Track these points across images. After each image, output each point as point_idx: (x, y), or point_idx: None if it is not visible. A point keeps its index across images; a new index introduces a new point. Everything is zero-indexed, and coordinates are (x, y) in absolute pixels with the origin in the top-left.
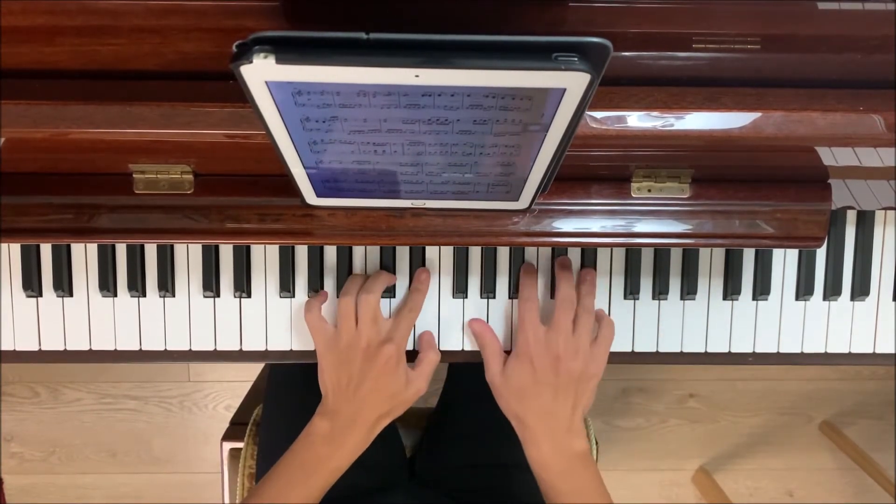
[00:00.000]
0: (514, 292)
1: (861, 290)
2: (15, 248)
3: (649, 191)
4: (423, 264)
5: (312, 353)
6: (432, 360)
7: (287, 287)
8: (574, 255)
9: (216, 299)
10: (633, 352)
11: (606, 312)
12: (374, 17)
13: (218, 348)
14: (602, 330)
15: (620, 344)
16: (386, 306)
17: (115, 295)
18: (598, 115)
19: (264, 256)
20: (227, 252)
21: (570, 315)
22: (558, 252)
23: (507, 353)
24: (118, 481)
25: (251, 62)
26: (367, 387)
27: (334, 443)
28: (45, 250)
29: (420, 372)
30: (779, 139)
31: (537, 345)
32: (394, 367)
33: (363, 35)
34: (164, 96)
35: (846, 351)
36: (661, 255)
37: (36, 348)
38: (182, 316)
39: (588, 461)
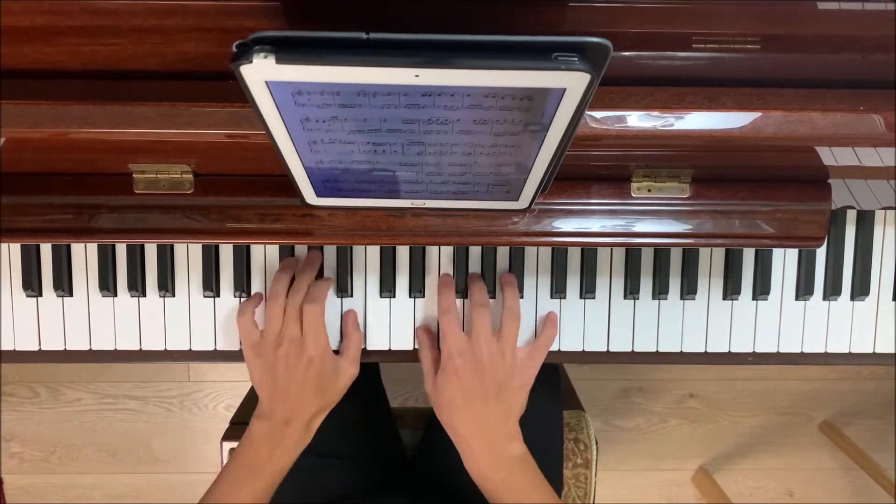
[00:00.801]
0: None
1: (861, 290)
2: (15, 248)
3: (649, 191)
4: (423, 264)
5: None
6: (356, 341)
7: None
8: (574, 255)
9: (216, 299)
10: (633, 352)
11: (555, 315)
12: (375, 17)
13: (218, 348)
14: (539, 338)
15: (620, 344)
16: (385, 306)
17: (115, 295)
18: (598, 115)
19: (264, 256)
20: (227, 252)
21: (485, 320)
22: (559, 252)
23: None
24: (118, 481)
25: (251, 62)
26: (295, 389)
27: (273, 443)
28: (45, 250)
29: (347, 357)
30: (779, 139)
31: (460, 356)
32: (318, 367)
33: (363, 35)
34: (164, 96)
35: (846, 351)
36: (661, 255)
37: (36, 348)
38: (182, 316)
39: (526, 464)
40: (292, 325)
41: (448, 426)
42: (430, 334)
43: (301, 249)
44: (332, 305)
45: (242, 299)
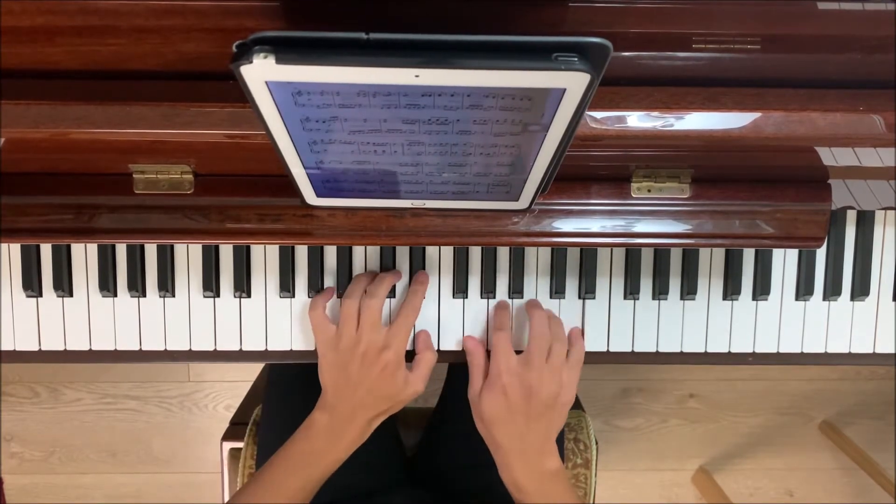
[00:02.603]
0: (513, 292)
1: (861, 290)
2: (15, 248)
3: (649, 191)
4: (423, 264)
5: (312, 353)
6: (429, 360)
7: (287, 287)
8: (574, 255)
9: (216, 299)
10: (633, 352)
11: (579, 329)
12: (374, 17)
13: (218, 348)
14: (573, 355)
15: (620, 344)
16: (386, 307)
17: (115, 295)
18: (598, 115)
19: (264, 256)
20: (227, 252)
21: (544, 349)
22: (559, 253)
23: None
24: (118, 481)
25: (251, 62)
26: (365, 389)
27: (332, 436)
28: (45, 250)
29: (418, 374)
30: (779, 139)
31: (509, 375)
32: (392, 372)
33: (363, 35)
34: (164, 96)
35: (846, 351)
36: (661, 255)
37: (36, 348)
38: (182, 316)
39: (560, 479)
40: (373, 329)
41: (487, 437)
42: (480, 343)
43: (301, 250)
44: (333, 305)
45: (243, 299)
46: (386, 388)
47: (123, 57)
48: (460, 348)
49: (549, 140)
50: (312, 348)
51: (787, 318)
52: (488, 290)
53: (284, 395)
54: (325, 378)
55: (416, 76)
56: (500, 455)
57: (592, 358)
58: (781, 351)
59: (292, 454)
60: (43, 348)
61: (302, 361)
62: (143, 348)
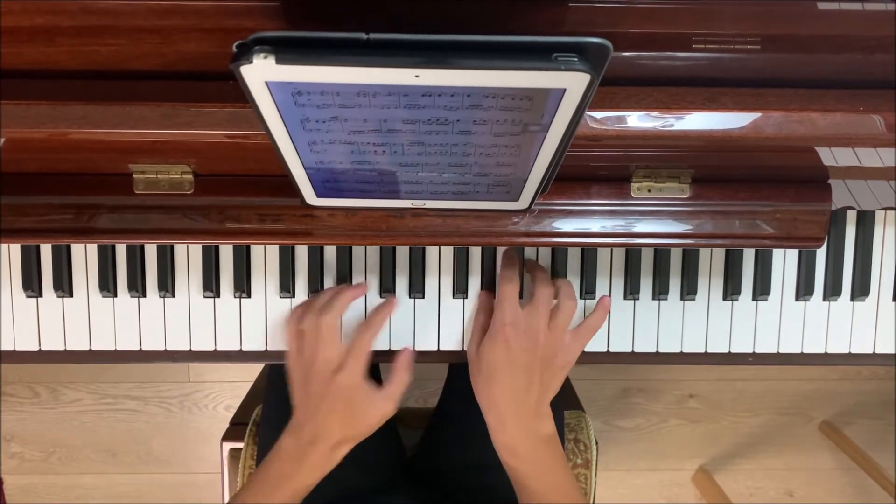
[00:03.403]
0: None
1: (861, 290)
2: (15, 248)
3: (649, 191)
4: (423, 264)
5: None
6: (403, 381)
7: (287, 287)
8: (574, 255)
9: (216, 299)
10: (633, 352)
11: (609, 299)
12: (374, 17)
13: (218, 348)
14: (588, 319)
15: (620, 344)
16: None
17: (115, 295)
18: (598, 115)
19: (264, 256)
20: (227, 252)
21: (549, 297)
22: (559, 253)
23: None
24: (118, 481)
25: (251, 62)
26: (323, 411)
27: (296, 460)
28: (45, 250)
29: (388, 394)
30: (779, 139)
31: (514, 325)
32: (348, 397)
33: (363, 35)
34: (164, 96)
35: (846, 351)
36: (661, 255)
37: (36, 348)
38: (182, 316)
39: (554, 444)
40: (330, 345)
41: (483, 393)
42: (491, 300)
43: (301, 250)
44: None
45: (243, 299)
46: (344, 408)
47: (123, 57)
48: (460, 348)
49: (549, 140)
50: None
51: (787, 319)
52: (488, 290)
53: (284, 395)
54: (293, 396)
55: (416, 76)
56: (495, 414)
57: (592, 358)
58: (781, 351)
59: (261, 478)
60: (43, 348)
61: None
62: (143, 348)
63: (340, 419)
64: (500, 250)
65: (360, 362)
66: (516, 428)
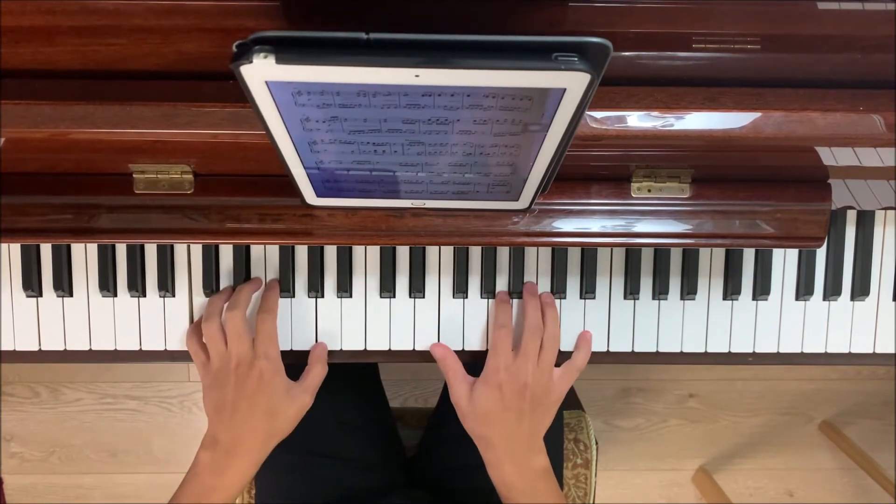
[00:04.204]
0: (514, 293)
1: (861, 290)
2: (15, 248)
3: (649, 191)
4: (424, 264)
5: (308, 354)
6: (318, 373)
7: (287, 287)
8: (574, 255)
9: None
10: (633, 352)
11: (589, 336)
12: (375, 17)
13: None
14: (574, 359)
15: (620, 344)
16: (386, 306)
17: (115, 295)
18: (598, 115)
19: (264, 256)
20: (227, 252)
21: (537, 342)
22: (559, 252)
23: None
24: (118, 481)
25: (251, 62)
26: (245, 406)
27: (218, 472)
28: (45, 250)
29: (305, 386)
30: (779, 139)
31: (507, 372)
32: (269, 380)
33: (363, 35)
34: (164, 96)
35: (846, 351)
36: (661, 255)
37: (36, 348)
38: (182, 316)
39: (548, 476)
40: (239, 340)
41: (477, 435)
42: (448, 349)
43: (301, 250)
44: (332, 305)
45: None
46: (266, 400)
47: (123, 57)
48: (460, 348)
49: (549, 140)
50: (309, 349)
51: (787, 318)
52: (488, 290)
53: None
54: (206, 408)
55: (416, 76)
56: (491, 453)
57: (592, 358)
58: (781, 351)
59: (185, 496)
60: (43, 348)
61: (300, 363)
62: (143, 348)
63: (263, 412)
64: (501, 250)
65: (273, 344)
66: (512, 465)
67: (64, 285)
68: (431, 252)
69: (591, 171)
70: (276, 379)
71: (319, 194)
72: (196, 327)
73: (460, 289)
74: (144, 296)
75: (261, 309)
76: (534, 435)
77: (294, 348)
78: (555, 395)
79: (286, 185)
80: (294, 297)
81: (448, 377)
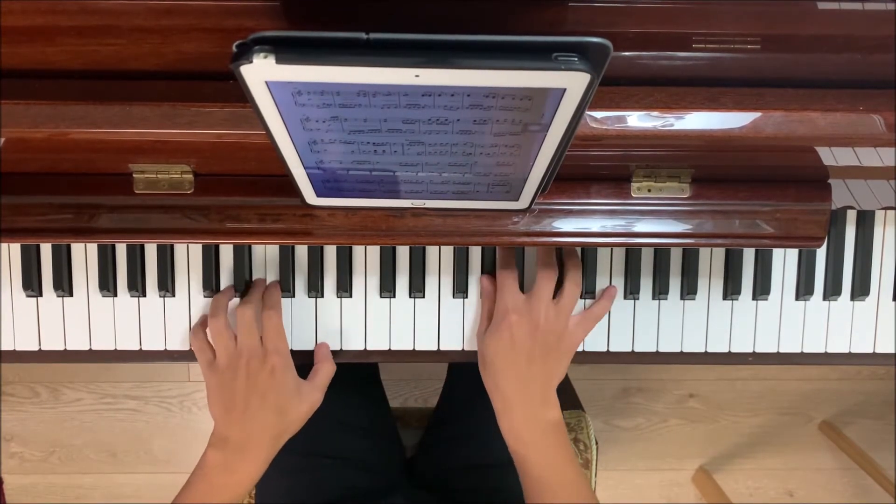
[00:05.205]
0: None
1: (861, 290)
2: (15, 248)
3: (649, 191)
4: (424, 264)
5: (311, 354)
6: (327, 371)
7: (287, 287)
8: None
9: None
10: (633, 352)
11: (615, 289)
12: (375, 17)
13: None
14: (593, 307)
15: (620, 344)
16: (385, 306)
17: (115, 295)
18: (598, 115)
19: (264, 256)
20: (227, 252)
21: (551, 284)
22: (559, 252)
23: None
24: (118, 481)
25: (251, 62)
26: (256, 401)
27: (228, 471)
28: (45, 250)
29: (315, 384)
30: (779, 139)
31: (516, 312)
32: (281, 375)
33: (363, 35)
34: (164, 96)
35: (846, 351)
36: (661, 255)
37: (36, 348)
38: (182, 316)
39: (560, 431)
40: (250, 335)
41: (490, 381)
42: (494, 285)
43: (301, 249)
44: (332, 305)
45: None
46: (277, 395)
47: (123, 57)
48: (460, 348)
49: (549, 140)
50: (311, 348)
51: (787, 318)
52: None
53: None
54: (213, 408)
55: (416, 76)
56: (501, 401)
57: (592, 358)
58: (781, 351)
59: (191, 497)
60: (43, 348)
61: (301, 362)
62: (143, 348)
63: (274, 408)
64: (501, 250)
65: (283, 340)
66: (522, 414)
67: (64, 285)
68: (431, 252)
69: (591, 170)
70: (288, 375)
71: (319, 194)
72: (201, 324)
73: (460, 289)
74: (144, 296)
75: (265, 306)
76: (546, 384)
77: (294, 348)
78: (568, 343)
79: (286, 184)
80: (294, 296)
81: (481, 313)
